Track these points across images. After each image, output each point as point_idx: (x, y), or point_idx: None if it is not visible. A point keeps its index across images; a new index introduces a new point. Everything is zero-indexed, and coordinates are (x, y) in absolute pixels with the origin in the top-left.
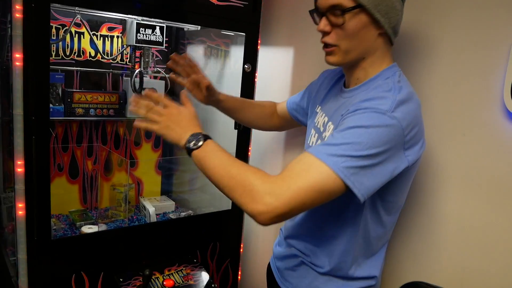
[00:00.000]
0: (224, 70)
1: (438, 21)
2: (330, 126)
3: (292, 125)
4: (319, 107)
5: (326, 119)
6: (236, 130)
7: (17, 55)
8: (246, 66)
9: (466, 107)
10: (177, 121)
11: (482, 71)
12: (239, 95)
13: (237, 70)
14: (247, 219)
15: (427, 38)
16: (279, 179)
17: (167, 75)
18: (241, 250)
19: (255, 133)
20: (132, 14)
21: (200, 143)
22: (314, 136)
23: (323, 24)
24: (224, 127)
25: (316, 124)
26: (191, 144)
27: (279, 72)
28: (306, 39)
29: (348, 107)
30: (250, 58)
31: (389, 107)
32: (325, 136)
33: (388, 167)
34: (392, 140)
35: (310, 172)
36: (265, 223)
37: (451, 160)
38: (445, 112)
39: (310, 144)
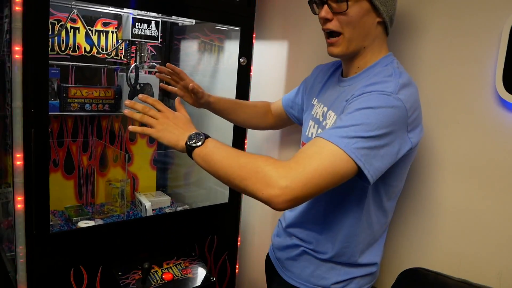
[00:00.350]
0: (218, 65)
1: (427, 8)
2: (331, 114)
3: (287, 123)
4: (316, 100)
5: (325, 109)
6: (233, 125)
7: (17, 48)
8: (242, 60)
9: (460, 94)
10: (173, 124)
11: (474, 58)
12: (234, 90)
13: (231, 66)
14: (244, 212)
15: (417, 26)
16: (292, 162)
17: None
18: (239, 242)
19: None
20: (128, 8)
21: (202, 140)
22: (314, 127)
23: (325, 11)
24: (220, 123)
25: (314, 115)
26: (192, 142)
27: (274, 66)
28: (301, 32)
29: (351, 92)
30: (245, 52)
31: (394, 89)
32: (326, 124)
33: (394, 148)
34: (398, 121)
35: (323, 154)
36: (281, 207)
37: (446, 147)
38: (439, 101)
39: (310, 136)
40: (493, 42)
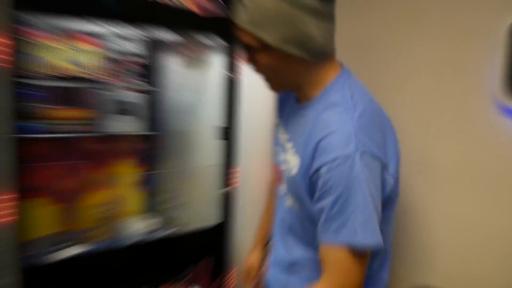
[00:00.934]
0: (204, 80)
1: (424, 14)
2: (290, 146)
3: None
4: (279, 120)
5: (286, 136)
6: (219, 140)
7: None
8: (229, 73)
9: (458, 103)
10: None
11: (472, 64)
12: (221, 104)
13: (217, 79)
14: (238, 232)
15: (412, 32)
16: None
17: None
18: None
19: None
20: (112, 24)
21: None
22: (281, 156)
23: (245, 58)
24: (206, 138)
25: (280, 140)
26: None
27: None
28: None
29: (306, 126)
30: (232, 65)
31: (355, 145)
32: (289, 160)
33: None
34: (377, 177)
35: (346, 262)
36: None
37: (448, 158)
38: (438, 110)
39: (280, 162)
40: (491, 48)
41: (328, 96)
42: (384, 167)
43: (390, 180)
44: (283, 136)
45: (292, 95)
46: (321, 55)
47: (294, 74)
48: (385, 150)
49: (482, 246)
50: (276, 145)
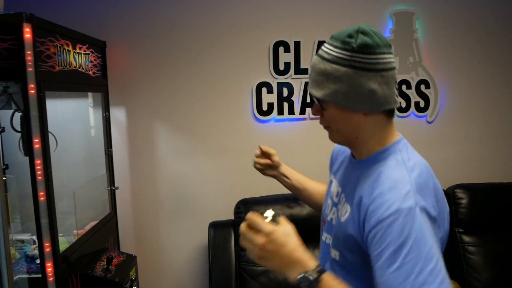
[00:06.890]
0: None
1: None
2: (343, 198)
3: None
4: (333, 176)
5: (340, 189)
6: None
7: None
8: (106, 114)
9: (240, 116)
10: (271, 254)
11: (243, 101)
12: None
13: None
14: None
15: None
16: None
17: None
18: None
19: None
20: None
21: (313, 284)
22: (332, 209)
23: (314, 109)
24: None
25: (332, 194)
26: (304, 285)
27: (121, 117)
28: (136, 99)
29: (358, 180)
30: (107, 109)
31: (414, 200)
32: (340, 209)
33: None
34: (432, 230)
35: None
36: None
37: (229, 143)
38: (230, 119)
39: (329, 220)
40: (248, 93)
41: (387, 154)
42: (438, 226)
43: (444, 238)
44: (335, 190)
45: (346, 154)
46: (382, 106)
47: (354, 126)
48: (438, 211)
49: None
50: (328, 198)
